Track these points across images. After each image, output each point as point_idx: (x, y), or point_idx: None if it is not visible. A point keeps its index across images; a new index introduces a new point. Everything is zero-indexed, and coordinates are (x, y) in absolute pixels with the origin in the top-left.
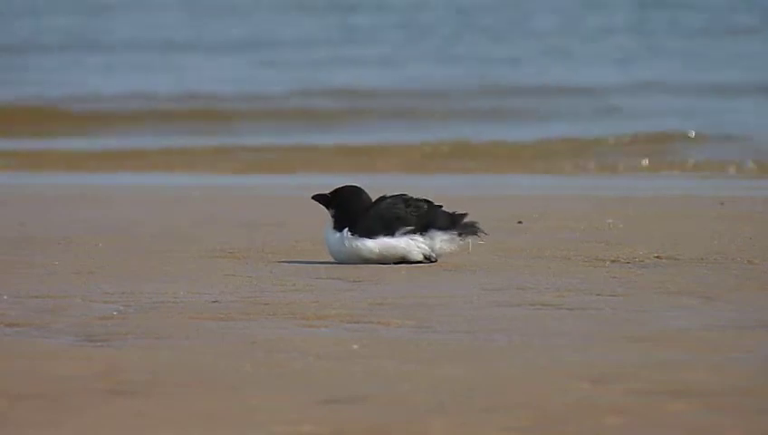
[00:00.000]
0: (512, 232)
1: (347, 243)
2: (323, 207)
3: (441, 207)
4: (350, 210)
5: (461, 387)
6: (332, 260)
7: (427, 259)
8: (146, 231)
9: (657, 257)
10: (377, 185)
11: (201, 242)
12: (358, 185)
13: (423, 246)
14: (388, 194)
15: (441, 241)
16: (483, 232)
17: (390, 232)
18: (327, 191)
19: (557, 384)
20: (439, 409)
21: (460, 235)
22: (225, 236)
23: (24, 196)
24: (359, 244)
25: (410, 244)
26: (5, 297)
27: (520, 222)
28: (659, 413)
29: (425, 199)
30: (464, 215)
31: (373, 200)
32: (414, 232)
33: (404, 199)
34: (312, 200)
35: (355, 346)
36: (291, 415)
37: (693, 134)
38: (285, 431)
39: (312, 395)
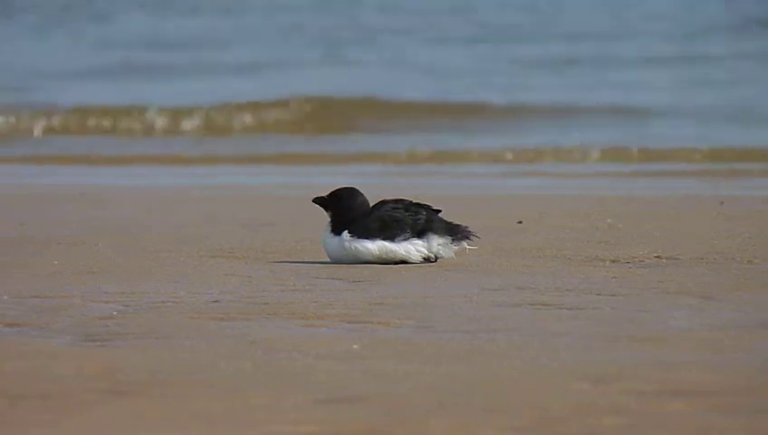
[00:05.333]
0: (512, 232)
1: (346, 244)
2: (323, 209)
3: (440, 212)
4: (348, 212)
5: (461, 387)
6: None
7: (427, 260)
8: (146, 231)
9: (657, 257)
10: None
11: (201, 242)
12: (355, 186)
13: (422, 249)
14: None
15: (438, 245)
16: (475, 235)
17: (390, 236)
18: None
19: (557, 384)
20: (439, 409)
21: (454, 240)
22: (225, 236)
23: (23, 196)
24: (358, 245)
25: (410, 248)
26: (5, 297)
27: (520, 222)
28: (659, 413)
29: (424, 205)
30: (459, 225)
31: (373, 204)
32: (412, 236)
33: (404, 204)
34: (313, 203)
35: (355, 346)
36: (291, 415)
37: None
38: (285, 431)
39: (311, 395)
